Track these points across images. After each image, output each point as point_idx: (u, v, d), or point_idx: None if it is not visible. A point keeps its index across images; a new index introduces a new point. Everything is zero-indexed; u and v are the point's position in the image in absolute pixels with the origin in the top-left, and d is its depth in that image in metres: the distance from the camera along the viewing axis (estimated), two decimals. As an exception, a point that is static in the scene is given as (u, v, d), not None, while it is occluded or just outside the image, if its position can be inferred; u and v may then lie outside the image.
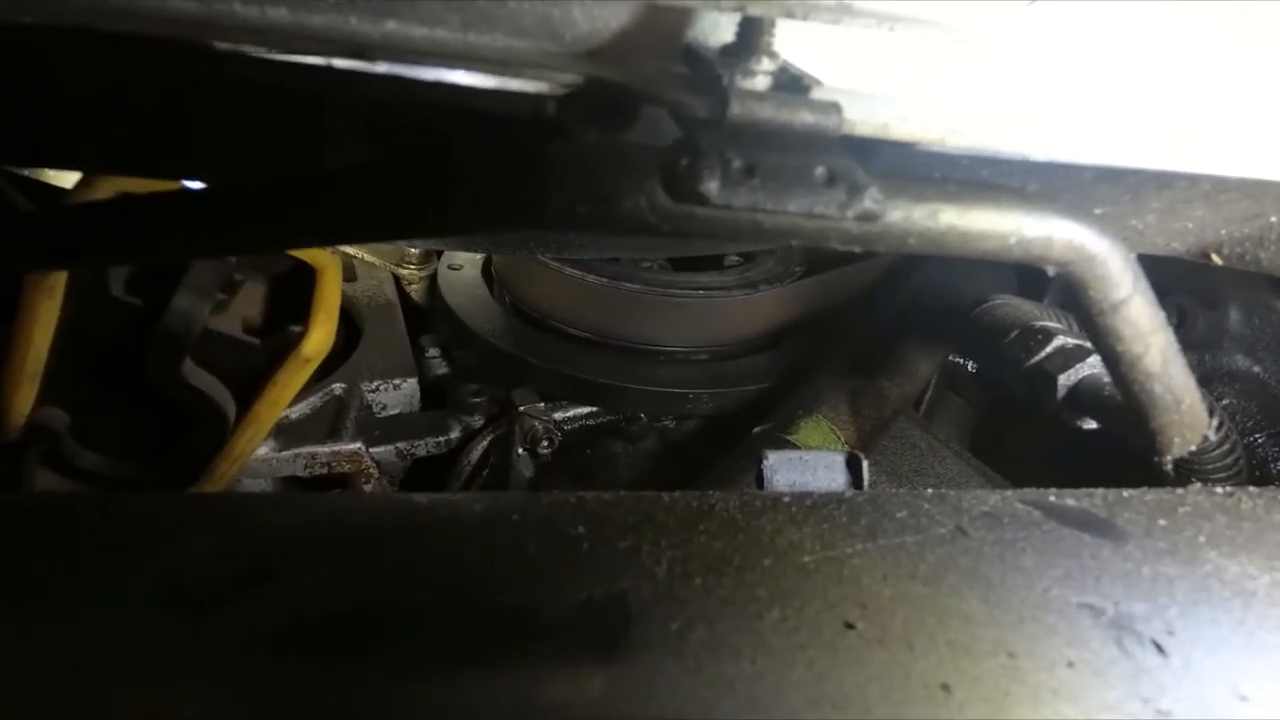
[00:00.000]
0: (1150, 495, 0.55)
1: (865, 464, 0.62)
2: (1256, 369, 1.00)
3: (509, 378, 1.11)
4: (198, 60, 0.47)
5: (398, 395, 1.13)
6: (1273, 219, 0.59)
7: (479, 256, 1.29)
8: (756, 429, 0.93)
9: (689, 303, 1.07)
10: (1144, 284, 0.49)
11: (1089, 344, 0.70)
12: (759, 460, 0.62)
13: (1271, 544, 0.49)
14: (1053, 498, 0.53)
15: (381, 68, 0.48)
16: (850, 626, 0.40)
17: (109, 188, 0.61)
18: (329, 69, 0.48)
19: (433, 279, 1.32)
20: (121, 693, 0.33)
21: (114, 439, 0.73)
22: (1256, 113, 0.47)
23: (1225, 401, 1.03)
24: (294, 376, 0.69)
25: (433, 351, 1.22)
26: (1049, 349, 0.70)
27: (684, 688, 0.37)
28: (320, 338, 0.68)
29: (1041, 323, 0.73)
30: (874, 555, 0.45)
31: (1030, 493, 0.54)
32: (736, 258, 1.15)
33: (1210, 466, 0.86)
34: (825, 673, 0.38)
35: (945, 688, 0.38)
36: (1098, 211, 0.59)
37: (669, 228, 0.40)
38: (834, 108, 0.41)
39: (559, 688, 0.36)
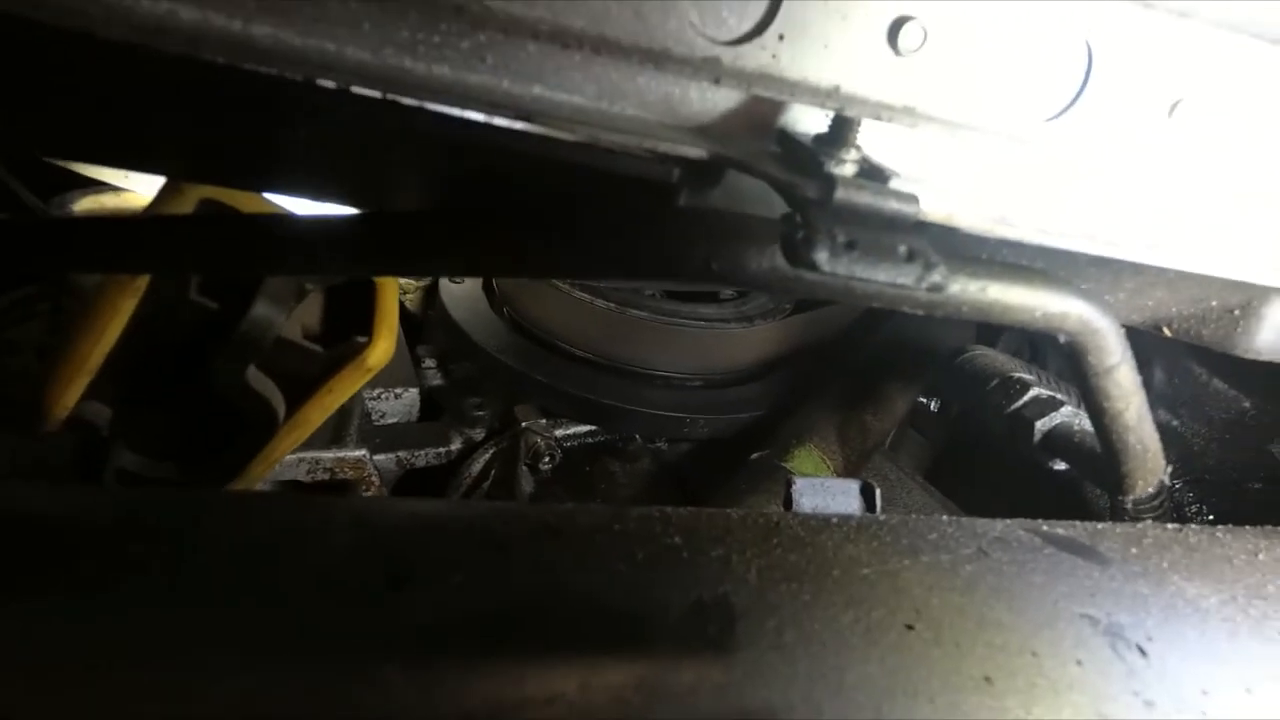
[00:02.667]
0: (1119, 528, 0.65)
1: (878, 493, 0.71)
2: (1175, 423, 1.15)
3: (510, 393, 1.17)
4: (343, 103, 0.53)
5: (398, 405, 1.17)
6: (1214, 303, 0.72)
7: (478, 273, 1.34)
8: (754, 455, 1.01)
9: (690, 331, 1.15)
10: (1130, 354, 0.60)
11: (1059, 395, 0.82)
12: (787, 484, 0.71)
13: (1217, 572, 0.60)
14: (1045, 527, 0.63)
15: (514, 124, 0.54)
16: (910, 628, 0.49)
17: (194, 195, 0.65)
18: (465, 120, 0.54)
19: (428, 290, 1.37)
20: (314, 679, 0.38)
21: (152, 438, 0.75)
22: (1221, 223, 0.59)
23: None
24: (351, 384, 0.73)
25: (429, 362, 1.26)
26: (1027, 397, 0.81)
27: (787, 677, 0.44)
28: (384, 349, 0.73)
29: (1019, 374, 0.84)
30: (919, 570, 0.53)
31: (1025, 522, 0.64)
32: (731, 293, 1.24)
33: (1143, 507, 0.99)
34: (896, 667, 0.46)
35: (988, 680, 0.47)
36: (1083, 287, 0.70)
37: (780, 288, 0.48)
38: (913, 198, 0.50)
39: (687, 674, 0.43)
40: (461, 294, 1.30)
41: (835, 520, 0.59)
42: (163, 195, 0.66)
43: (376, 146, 0.52)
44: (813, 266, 0.47)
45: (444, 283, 1.32)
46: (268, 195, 0.70)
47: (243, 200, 0.65)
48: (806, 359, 1.23)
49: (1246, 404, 1.07)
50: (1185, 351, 1.13)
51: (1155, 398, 1.17)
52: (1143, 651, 0.51)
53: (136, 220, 0.58)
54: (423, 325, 1.35)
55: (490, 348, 1.18)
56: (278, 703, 0.36)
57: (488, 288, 1.31)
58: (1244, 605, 0.57)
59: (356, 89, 0.51)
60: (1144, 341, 1.18)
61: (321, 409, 0.76)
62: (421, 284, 1.36)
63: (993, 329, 1.27)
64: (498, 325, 1.24)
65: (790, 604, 0.48)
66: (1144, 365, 1.17)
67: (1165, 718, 0.48)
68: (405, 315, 1.36)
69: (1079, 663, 0.49)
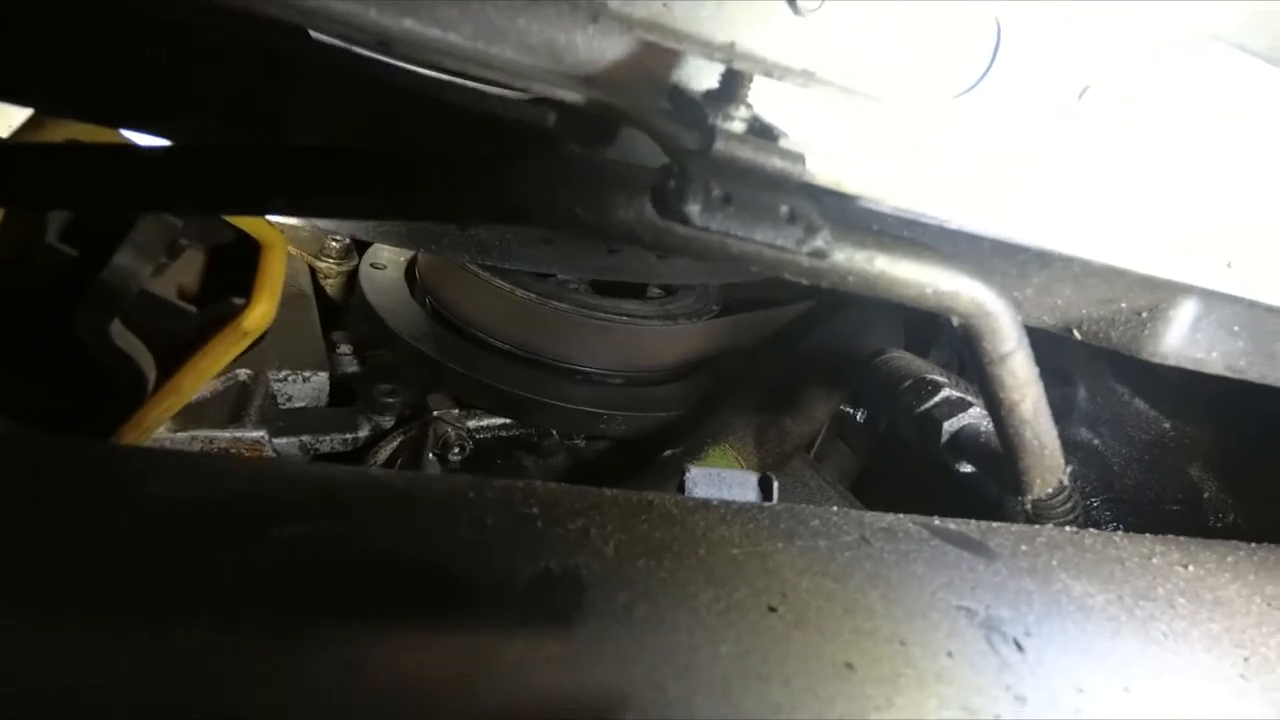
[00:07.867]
0: (1015, 527, 0.63)
1: (775, 485, 0.68)
2: (1096, 441, 1.14)
3: (425, 381, 1.12)
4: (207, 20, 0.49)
5: (306, 388, 1.11)
6: (1122, 305, 0.71)
7: (403, 257, 1.29)
8: (666, 452, 0.98)
9: (612, 326, 1.12)
10: (1026, 342, 0.58)
11: (971, 398, 0.80)
12: (681, 473, 0.68)
13: (1107, 572, 0.59)
14: (937, 521, 0.61)
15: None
16: (773, 610, 0.46)
17: (60, 131, 0.60)
18: (329, 46, 0.51)
19: (350, 275, 1.32)
20: (126, 641, 0.34)
21: (18, 397, 0.70)
22: (1128, 214, 0.58)
23: (1070, 468, 1.17)
24: (228, 349, 0.69)
25: (344, 348, 1.21)
26: (937, 398, 0.79)
27: (630, 653, 0.41)
28: (262, 313, 0.68)
29: (931, 375, 0.83)
30: (792, 553, 0.51)
31: (918, 517, 0.61)
32: (658, 290, 1.22)
33: (1056, 515, 0.98)
34: (751, 648, 0.43)
35: (849, 666, 0.44)
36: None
37: (650, 240, 0.45)
38: (799, 157, 0.48)
39: (521, 646, 0.39)
40: (382, 280, 1.25)
41: (717, 504, 0.55)
42: (24, 131, 0.61)
43: (212, 68, 0.49)
44: (684, 219, 0.44)
45: (364, 269, 1.28)
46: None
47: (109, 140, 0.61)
48: (730, 362, 1.21)
49: (1167, 425, 1.07)
50: (1108, 370, 1.13)
51: (1077, 415, 1.17)
52: (1019, 646, 0.49)
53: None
54: (342, 311, 1.31)
55: (408, 335, 1.14)
56: (76, 660, 0.32)
57: (409, 275, 1.27)
58: (1129, 605, 0.55)
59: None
60: (1068, 358, 1.18)
61: (196, 374, 0.71)
62: (342, 269, 1.32)
63: (926, 342, 1.27)
64: (418, 313, 1.20)
65: (646, 579, 0.45)
66: (1067, 382, 1.18)
67: (1037, 715, 0.46)
68: (325, 300, 1.31)
69: (949, 654, 0.47)
